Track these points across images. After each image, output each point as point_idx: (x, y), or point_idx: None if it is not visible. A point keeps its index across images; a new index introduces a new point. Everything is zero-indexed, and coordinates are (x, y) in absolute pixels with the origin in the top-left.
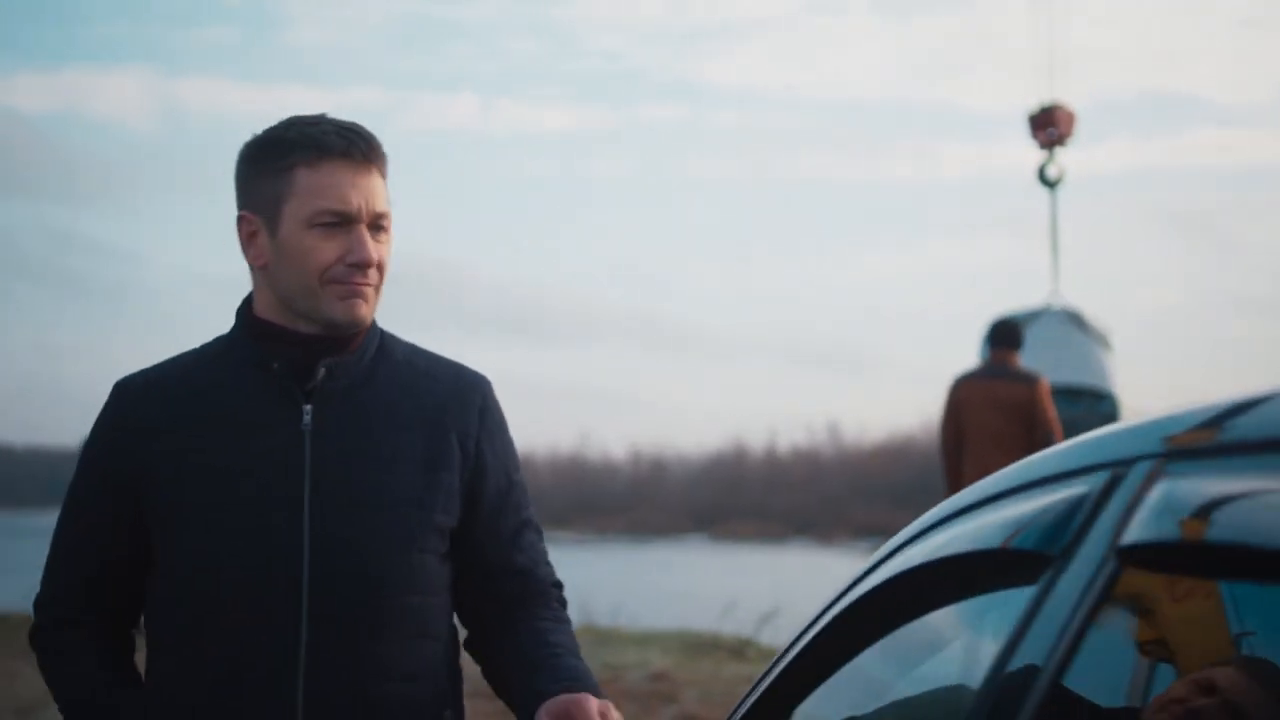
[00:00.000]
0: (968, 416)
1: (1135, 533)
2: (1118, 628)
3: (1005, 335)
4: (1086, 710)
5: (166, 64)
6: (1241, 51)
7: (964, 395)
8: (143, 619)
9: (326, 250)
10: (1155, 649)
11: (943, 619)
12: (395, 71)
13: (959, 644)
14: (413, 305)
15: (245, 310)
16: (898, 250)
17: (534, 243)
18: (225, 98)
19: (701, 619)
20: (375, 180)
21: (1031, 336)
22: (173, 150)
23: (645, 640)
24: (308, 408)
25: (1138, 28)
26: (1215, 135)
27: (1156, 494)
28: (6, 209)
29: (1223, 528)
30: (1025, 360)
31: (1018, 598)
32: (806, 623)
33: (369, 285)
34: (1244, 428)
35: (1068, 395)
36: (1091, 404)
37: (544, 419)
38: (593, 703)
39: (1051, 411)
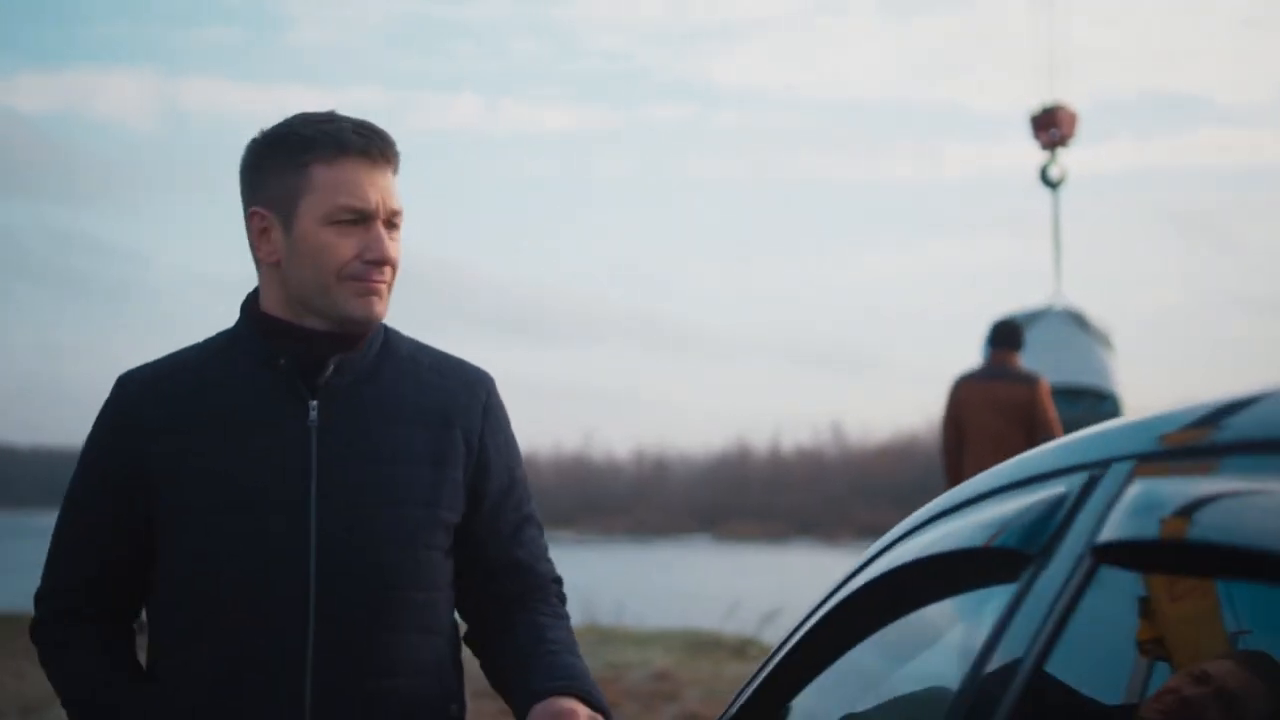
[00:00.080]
0: (968, 417)
1: (1110, 532)
2: (1094, 624)
3: (1005, 336)
4: (1064, 704)
5: (167, 64)
6: (1243, 51)
7: (964, 396)
8: (144, 617)
9: (344, 247)
10: (1153, 648)
11: (929, 616)
12: (396, 71)
13: (945, 640)
14: (415, 305)
15: (250, 306)
16: (900, 250)
17: (536, 243)
18: (226, 98)
19: (704, 619)
20: (390, 178)
21: (1033, 337)
22: (174, 150)
23: (648, 639)
24: (314, 404)
25: (1139, 28)
26: (1217, 135)
27: (1132, 494)
28: (7, 209)
29: (1196, 527)
30: (1027, 361)
31: (1000, 595)
32: (799, 620)
33: (384, 282)
34: (1217, 431)
35: (1069, 395)
36: (1093, 404)
37: (547, 419)
38: (581, 714)
39: (1052, 412)
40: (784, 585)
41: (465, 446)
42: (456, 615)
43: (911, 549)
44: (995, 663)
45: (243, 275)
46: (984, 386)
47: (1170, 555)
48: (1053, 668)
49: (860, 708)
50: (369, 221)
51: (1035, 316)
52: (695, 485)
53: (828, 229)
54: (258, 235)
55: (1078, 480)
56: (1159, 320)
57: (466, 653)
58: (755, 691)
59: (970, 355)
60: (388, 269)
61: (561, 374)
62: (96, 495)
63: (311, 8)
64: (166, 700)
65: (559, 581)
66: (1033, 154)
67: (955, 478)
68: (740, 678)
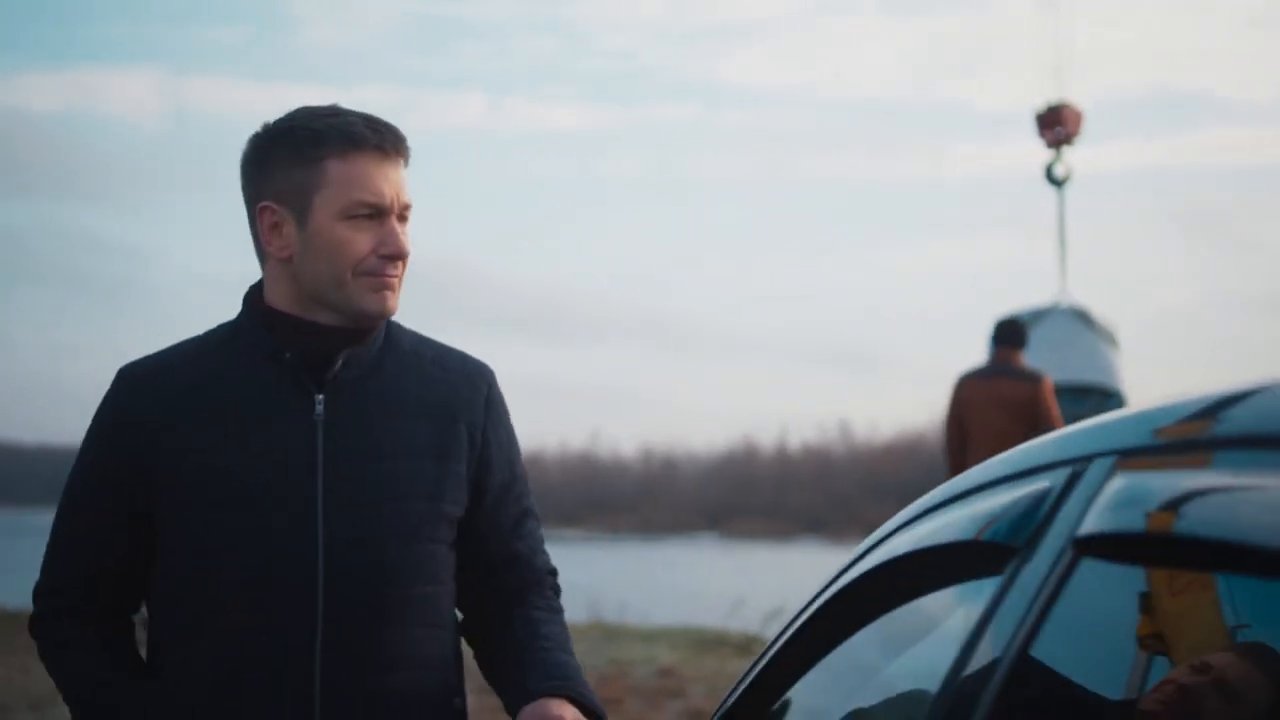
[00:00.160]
0: (971, 415)
1: (1091, 525)
2: (1076, 614)
3: (1009, 334)
4: (1045, 692)
5: (174, 63)
6: (1248, 50)
7: (968, 394)
8: (144, 613)
9: (360, 242)
10: (1153, 642)
11: (921, 608)
12: (404, 70)
13: (935, 631)
14: (421, 303)
15: (254, 300)
16: (906, 249)
17: (542, 242)
18: (231, 97)
19: (709, 616)
20: (401, 171)
21: (1039, 335)
22: (178, 149)
23: (653, 637)
24: (320, 398)
25: (1146, 26)
26: (1222, 134)
27: (1112, 488)
28: (13, 208)
29: (1173, 520)
30: (1033, 359)
31: (988, 587)
32: (794, 614)
33: (397, 276)
34: (1197, 426)
35: (1075, 393)
36: (1099, 402)
37: (553, 417)
38: (569, 717)
39: (1055, 410)
40: (789, 583)
41: (468, 440)
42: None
43: (903, 543)
44: (980, 652)
45: (247, 274)
46: (987, 384)
47: (1148, 547)
48: (1035, 657)
49: (853, 699)
50: (383, 216)
51: (1041, 315)
52: (702, 484)
53: (834, 228)
54: (268, 230)
55: (1062, 475)
56: (1164, 318)
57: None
58: (751, 684)
59: (976, 353)
60: (401, 263)
61: (567, 373)
62: (96, 489)
63: (317, 7)
64: (167, 698)
65: (554, 574)
66: (1038, 153)
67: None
68: None
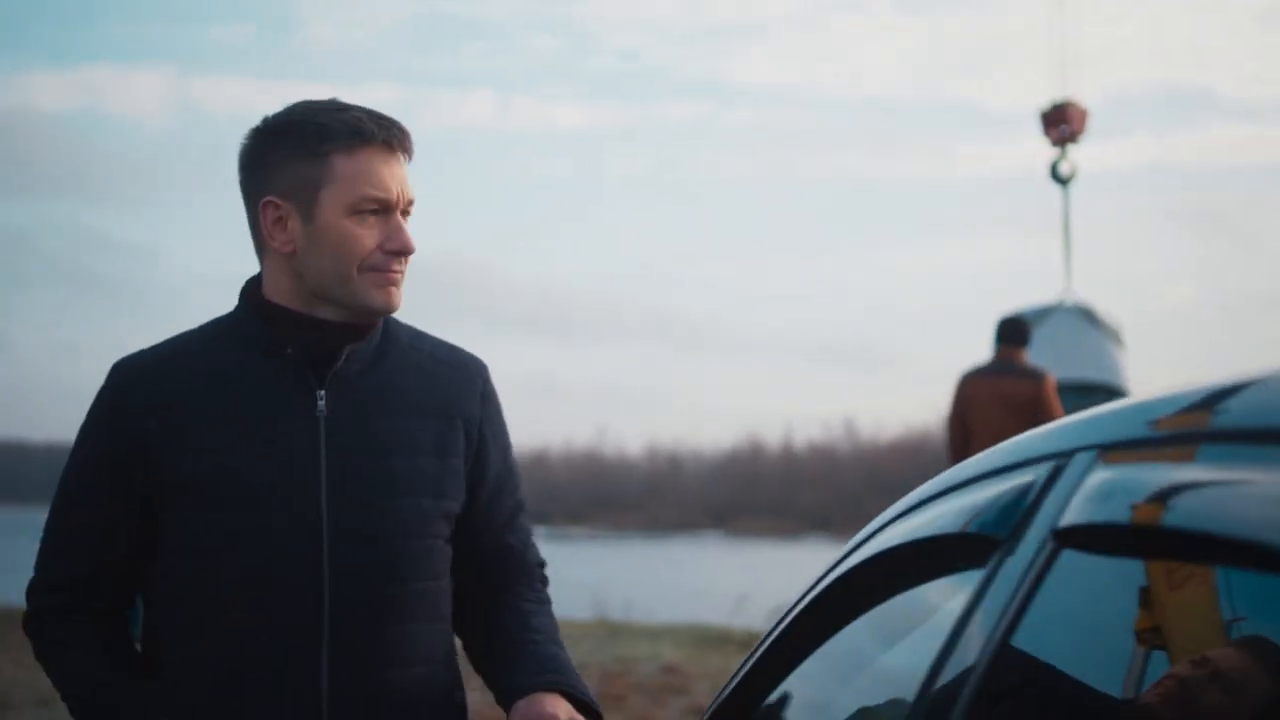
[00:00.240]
0: (974, 413)
1: (1070, 517)
2: (1056, 603)
3: (1012, 332)
4: (1026, 681)
5: (183, 63)
6: (1258, 48)
7: (971, 391)
8: (139, 614)
9: (366, 237)
10: (1151, 637)
11: (909, 600)
12: (412, 69)
13: (923, 622)
14: (428, 301)
15: (253, 294)
16: (913, 247)
17: (549, 240)
18: (241, 96)
19: (714, 614)
20: (405, 166)
21: (1044, 333)
22: (185, 149)
23: (657, 634)
24: (321, 393)
25: (1151, 24)
26: (1229, 131)
27: (1092, 482)
28: (24, 207)
29: (1149, 513)
30: (1038, 357)
31: (973, 578)
32: (787, 608)
33: (402, 272)
34: (1175, 423)
35: (1080, 391)
36: (1103, 401)
37: (560, 415)
38: (562, 714)
39: (1058, 407)
40: (794, 581)
41: (465, 436)
42: None
43: (894, 536)
44: (966, 642)
45: (251, 272)
46: (990, 382)
47: (1126, 539)
48: (1016, 646)
49: (843, 690)
50: (390, 211)
51: (1046, 313)
52: (708, 482)
53: (841, 227)
54: (271, 224)
55: (1045, 469)
56: (1171, 316)
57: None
58: (746, 676)
59: (982, 351)
60: (406, 259)
61: (574, 371)
62: (93, 484)
63: (323, 6)
64: (168, 698)
65: (543, 565)
66: (1044, 151)
67: None
68: None
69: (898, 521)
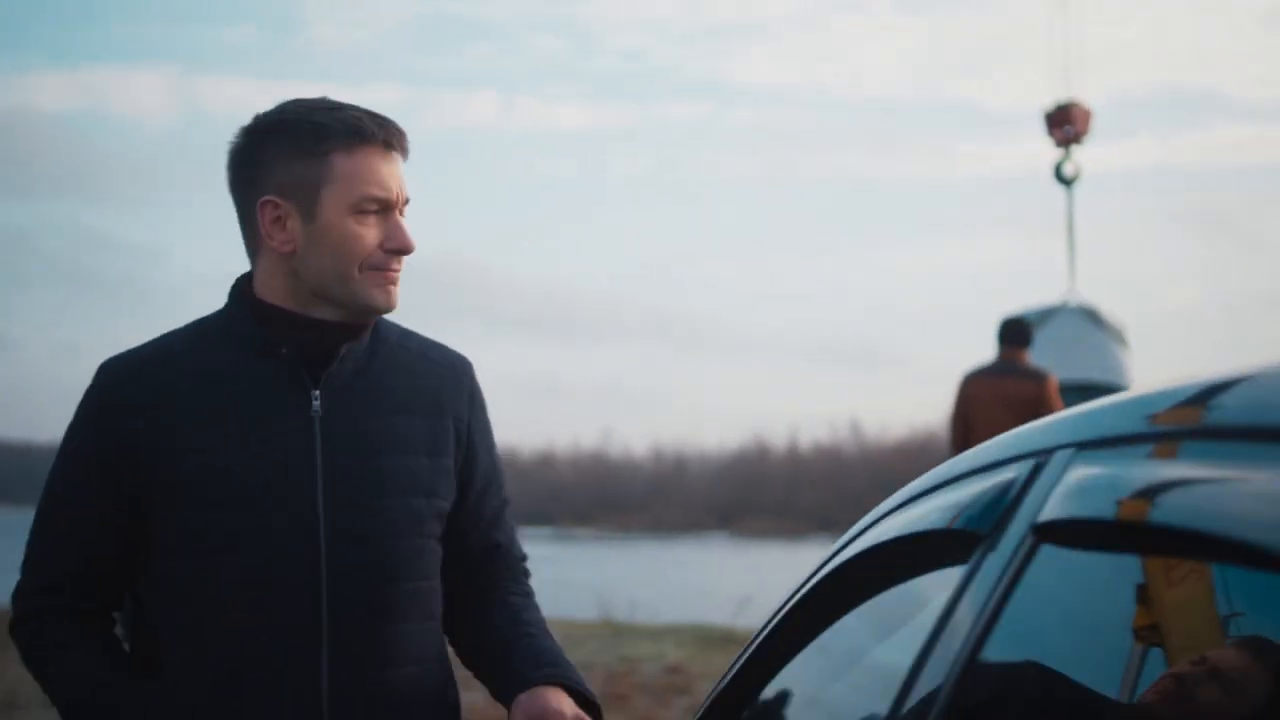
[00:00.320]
0: (976, 413)
1: (1049, 513)
2: (1035, 598)
3: (1014, 333)
4: (1005, 673)
5: (187, 63)
6: (1262, 49)
7: (973, 392)
8: (129, 614)
9: (368, 236)
10: (1127, 629)
11: (896, 595)
12: (415, 69)
13: (908, 617)
14: (432, 302)
15: (245, 293)
16: (917, 248)
17: (552, 241)
18: (244, 96)
19: (718, 614)
20: (402, 165)
21: (1047, 334)
22: (187, 149)
23: (661, 634)
24: (316, 393)
25: (1154, 25)
26: (1232, 132)
27: (1070, 479)
28: (25, 207)
29: (1124, 508)
30: (1042, 357)
31: (957, 573)
32: (777, 606)
33: (399, 271)
34: (1148, 421)
35: (1083, 392)
36: None
37: (565, 416)
38: (568, 712)
39: (1060, 408)
40: (799, 581)
41: (455, 435)
42: None
43: (883, 532)
44: (948, 636)
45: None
46: (993, 382)
47: (1102, 533)
48: (996, 639)
49: (830, 685)
50: (389, 210)
51: (1049, 313)
52: (713, 483)
53: (845, 227)
54: (269, 224)
55: (1027, 466)
56: (1175, 317)
57: None
58: (737, 673)
59: (987, 352)
60: (404, 258)
61: (579, 372)
62: (81, 483)
63: (326, 6)
64: (168, 698)
65: (525, 559)
66: (1046, 151)
67: None
68: None
69: (886, 518)
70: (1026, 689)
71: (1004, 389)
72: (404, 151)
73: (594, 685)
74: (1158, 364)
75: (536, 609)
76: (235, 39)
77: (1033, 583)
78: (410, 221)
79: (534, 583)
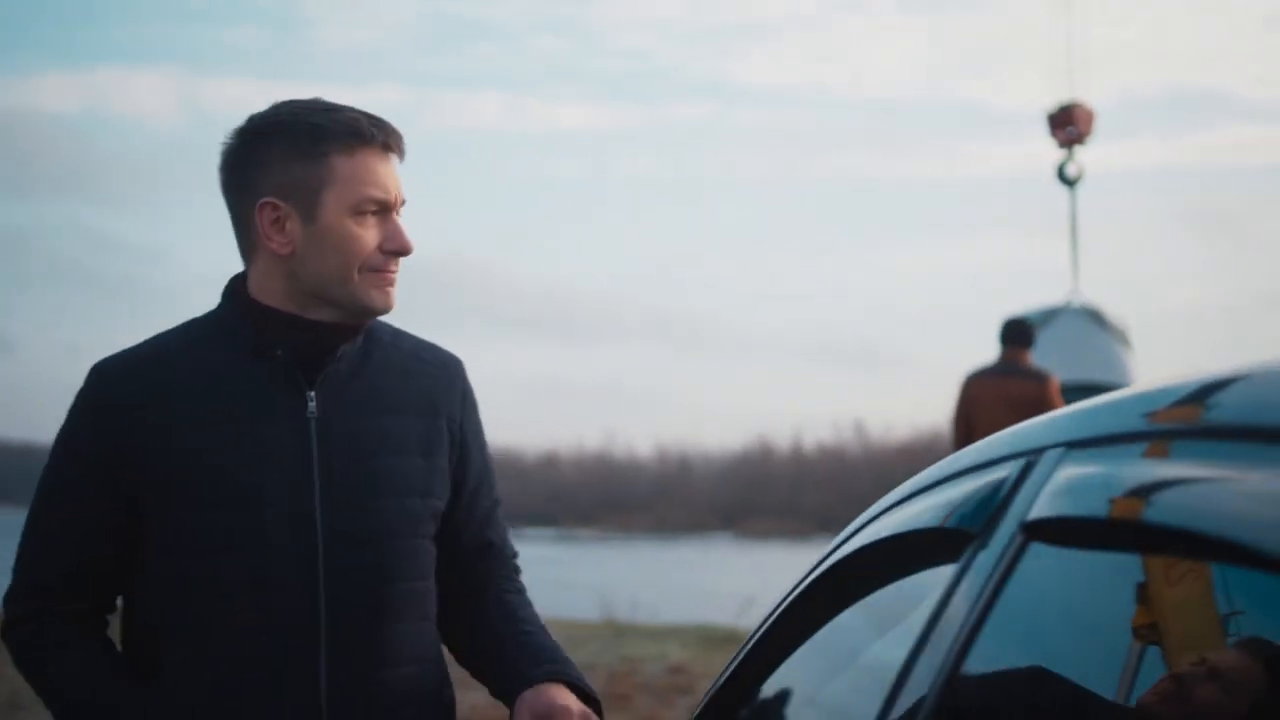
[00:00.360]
0: (979, 414)
1: (1038, 511)
2: (1024, 594)
3: (1016, 333)
4: (994, 669)
5: (192, 64)
6: (1264, 49)
7: (975, 392)
8: (121, 614)
9: (368, 238)
10: (1138, 631)
11: (890, 593)
12: (420, 70)
13: (901, 615)
14: (436, 303)
15: (240, 294)
16: (922, 248)
17: (556, 241)
18: (250, 97)
19: (721, 615)
20: (398, 167)
21: (1050, 334)
22: (193, 150)
23: (664, 634)
24: (312, 394)
25: (1158, 26)
26: (1239, 133)
27: (1058, 478)
28: (33, 209)
29: (1110, 506)
30: (1045, 358)
31: (949, 570)
32: (773, 606)
33: (397, 272)
34: (1133, 421)
35: (1086, 392)
36: None
37: (570, 417)
38: (575, 717)
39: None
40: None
41: (449, 434)
42: None
43: (877, 531)
44: (938, 633)
45: None
46: (995, 383)
47: (1089, 531)
48: (986, 636)
49: (825, 683)
50: (388, 212)
51: (1052, 314)
52: (717, 483)
53: (847, 227)
54: (268, 226)
55: (1018, 465)
56: (1178, 317)
57: None
58: (735, 671)
59: (990, 353)
60: (401, 259)
61: (583, 372)
62: (75, 481)
63: (331, 7)
64: (168, 698)
65: (516, 556)
66: (1050, 151)
67: None
68: None
69: (881, 517)
70: (1016, 685)
71: (1006, 389)
72: (400, 153)
73: (596, 686)
74: (1161, 364)
75: (531, 606)
76: (238, 40)
77: (1022, 580)
78: (413, 222)
79: (538, 583)
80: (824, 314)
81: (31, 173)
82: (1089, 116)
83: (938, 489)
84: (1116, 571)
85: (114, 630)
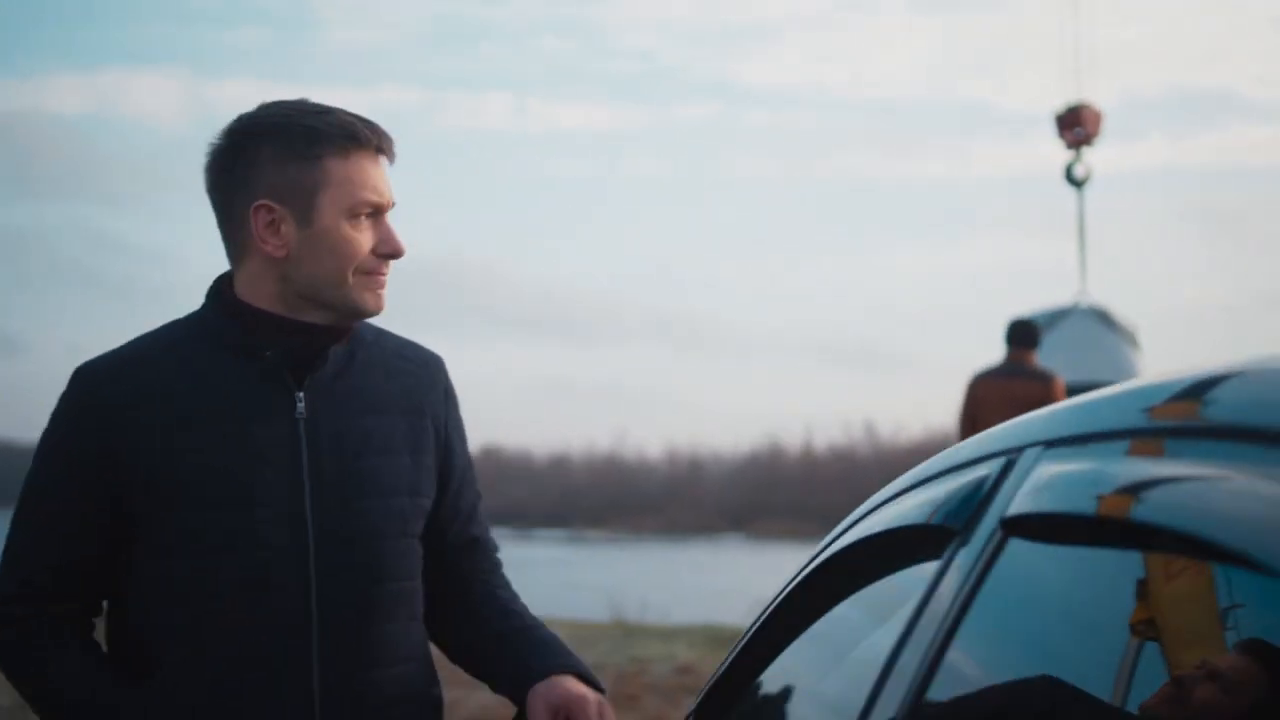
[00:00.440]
0: (984, 414)
1: (1017, 507)
2: (1003, 589)
3: (1022, 334)
4: (977, 662)
5: (198, 65)
6: (1272, 49)
7: (981, 393)
8: (111, 614)
9: (363, 241)
10: (1146, 629)
11: (877, 590)
12: (427, 71)
13: (887, 610)
14: (444, 304)
15: (226, 295)
16: (931, 248)
17: (565, 242)
18: (257, 99)
19: (731, 615)
20: (388, 170)
21: (1059, 335)
22: (201, 151)
23: (672, 635)
24: (300, 395)
25: (1167, 26)
26: (1247, 133)
27: (1036, 475)
28: (40, 209)
29: (1086, 503)
30: (1053, 359)
31: (933, 566)
32: (767, 604)
33: (388, 274)
34: (1110, 419)
35: None
36: None
37: (580, 419)
38: (592, 705)
39: None
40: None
41: (434, 432)
42: None
43: (866, 529)
44: (921, 627)
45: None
46: (1001, 384)
47: (1066, 527)
48: (967, 629)
49: (814, 678)
50: (381, 215)
51: (1061, 314)
52: (727, 484)
53: (853, 227)
54: (263, 228)
55: (999, 463)
56: (1186, 317)
57: None
58: (729, 667)
59: (998, 353)
60: (393, 262)
61: (593, 374)
62: (62, 480)
63: (340, 8)
64: (167, 698)
65: (498, 550)
66: (1059, 152)
67: None
68: None
69: (871, 514)
70: (995, 677)
71: (1011, 390)
72: (391, 156)
73: (604, 685)
74: (1170, 365)
75: (520, 599)
76: (245, 41)
77: (1001, 575)
78: (414, 222)
79: (548, 584)
80: (830, 314)
81: (33, 173)
82: (1096, 118)
83: (924, 487)
84: (1093, 566)
85: (99, 633)
